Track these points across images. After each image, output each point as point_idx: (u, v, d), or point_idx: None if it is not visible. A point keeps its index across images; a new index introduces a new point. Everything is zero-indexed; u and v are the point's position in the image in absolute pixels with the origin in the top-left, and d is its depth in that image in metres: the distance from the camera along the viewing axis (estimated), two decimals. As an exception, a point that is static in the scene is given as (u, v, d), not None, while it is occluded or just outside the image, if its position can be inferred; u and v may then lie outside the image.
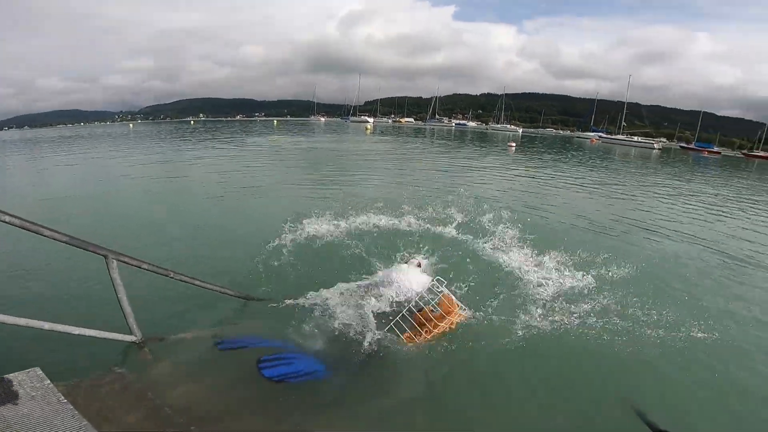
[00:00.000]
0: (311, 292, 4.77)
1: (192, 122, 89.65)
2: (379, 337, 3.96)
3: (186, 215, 9.07)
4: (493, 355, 3.88)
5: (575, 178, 18.20)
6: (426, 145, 35.33)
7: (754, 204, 14.97)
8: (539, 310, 4.56)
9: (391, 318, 4.05)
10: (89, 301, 4.77)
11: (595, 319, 4.43)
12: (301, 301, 4.69)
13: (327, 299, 4.63)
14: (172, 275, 3.73)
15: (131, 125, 76.29)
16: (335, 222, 7.63)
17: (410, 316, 4.00)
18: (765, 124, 76.02)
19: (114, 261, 3.50)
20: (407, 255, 5.97)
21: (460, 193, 10.62)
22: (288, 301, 4.69)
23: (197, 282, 3.95)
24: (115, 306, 3.55)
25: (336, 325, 4.16)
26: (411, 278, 4.38)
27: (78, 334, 3.39)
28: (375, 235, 7.09)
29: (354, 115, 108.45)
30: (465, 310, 4.18)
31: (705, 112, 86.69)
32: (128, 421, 3.01)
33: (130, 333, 3.68)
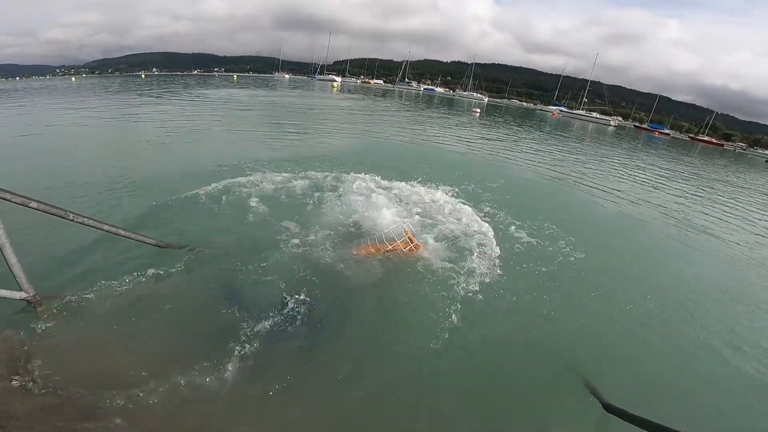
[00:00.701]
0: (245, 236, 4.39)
1: (143, 75, 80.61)
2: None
3: (112, 161, 7.98)
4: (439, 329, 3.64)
5: (534, 145, 18.36)
6: (394, 105, 34.28)
7: (692, 179, 15.96)
8: (497, 275, 4.41)
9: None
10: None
11: (549, 289, 4.34)
12: (234, 245, 4.30)
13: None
14: (71, 217, 3.10)
15: (73, 78, 67.21)
16: (278, 172, 7.13)
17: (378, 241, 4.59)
18: (713, 112, 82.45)
19: (-11, 199, 2.83)
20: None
21: (420, 147, 10.27)
22: (224, 246, 4.27)
23: (105, 227, 3.34)
24: (-1, 256, 2.92)
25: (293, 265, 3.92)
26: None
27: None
28: (325, 185, 6.63)
29: (321, 73, 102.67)
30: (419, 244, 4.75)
31: (661, 96, 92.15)
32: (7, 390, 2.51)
33: (19, 289, 3.07)
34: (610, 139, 33.19)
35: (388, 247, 4.50)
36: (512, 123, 32.67)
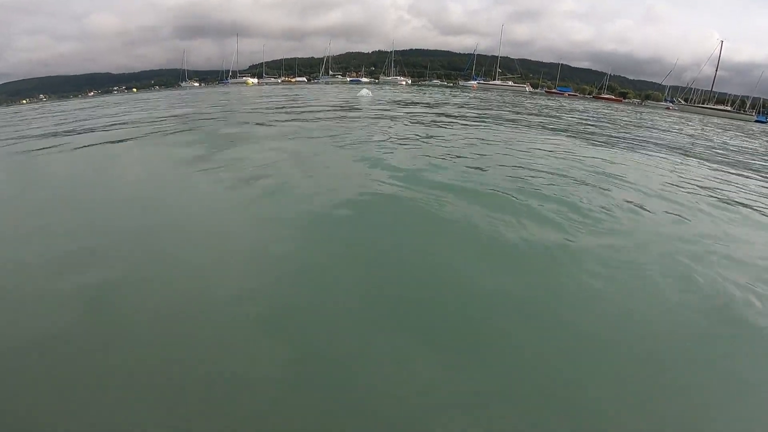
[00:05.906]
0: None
1: (25, 102, 68.68)
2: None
3: None
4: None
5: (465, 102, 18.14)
6: (320, 86, 32.55)
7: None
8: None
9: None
10: None
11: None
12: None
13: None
14: None
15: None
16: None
17: None
18: (607, 74, 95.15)
19: None
20: None
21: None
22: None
23: None
24: None
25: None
26: None
27: None
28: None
29: (234, 78, 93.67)
30: None
31: (563, 64, 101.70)
32: None
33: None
34: (533, 99, 34.90)
35: None
36: (439, 93, 32.78)
